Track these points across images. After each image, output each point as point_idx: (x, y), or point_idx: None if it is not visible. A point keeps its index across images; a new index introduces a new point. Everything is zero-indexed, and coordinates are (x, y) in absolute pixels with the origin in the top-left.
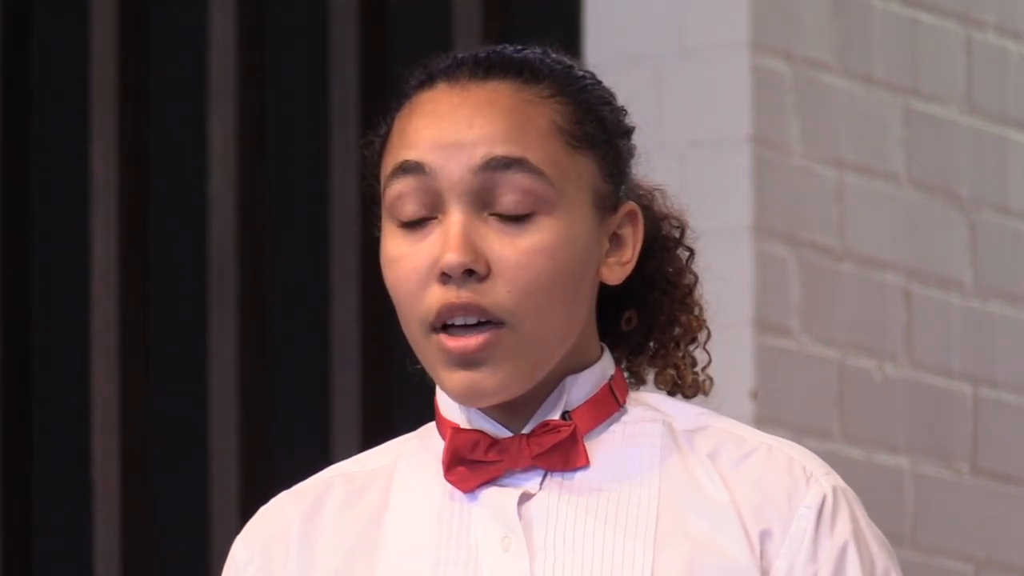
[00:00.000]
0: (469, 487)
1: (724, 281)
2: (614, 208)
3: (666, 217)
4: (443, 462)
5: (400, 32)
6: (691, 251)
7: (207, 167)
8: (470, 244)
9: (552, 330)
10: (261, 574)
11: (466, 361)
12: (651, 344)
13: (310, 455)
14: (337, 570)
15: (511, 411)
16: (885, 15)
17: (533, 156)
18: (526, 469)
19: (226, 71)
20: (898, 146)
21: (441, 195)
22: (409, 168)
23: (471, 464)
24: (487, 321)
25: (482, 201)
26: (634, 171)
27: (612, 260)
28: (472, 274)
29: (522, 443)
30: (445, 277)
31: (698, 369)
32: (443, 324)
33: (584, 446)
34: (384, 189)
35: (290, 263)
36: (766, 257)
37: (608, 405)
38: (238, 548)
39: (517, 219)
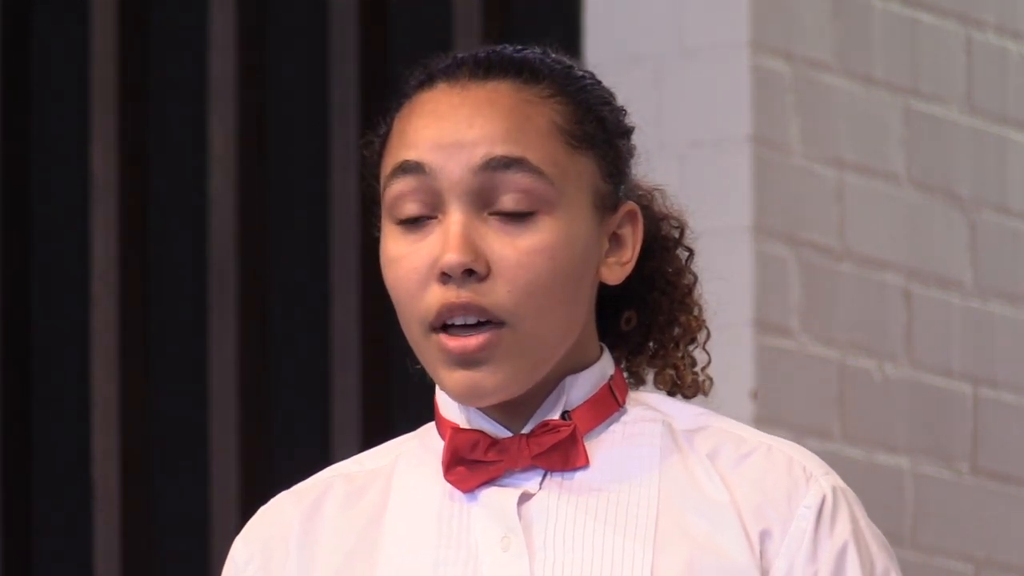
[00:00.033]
0: (469, 487)
1: (724, 281)
2: (614, 208)
3: (666, 217)
4: (443, 462)
5: (400, 32)
6: (690, 251)
7: (207, 167)
8: (470, 244)
9: (552, 330)
10: (261, 574)
11: (466, 361)
12: (650, 344)
13: (310, 455)
14: (337, 570)
15: (511, 411)
16: (885, 15)
17: (533, 156)
18: (526, 469)
19: (226, 71)
20: (898, 146)
21: (441, 195)
22: (409, 168)
23: (471, 464)
24: (487, 321)
25: (482, 201)
26: (634, 171)
27: (612, 260)
28: (472, 274)
29: (522, 443)
30: (445, 277)
31: (698, 369)
32: (443, 324)
33: (584, 446)
34: (384, 189)
35: (290, 263)
36: (766, 257)
37: (608, 405)
38: (238, 548)
39: (517, 219)
